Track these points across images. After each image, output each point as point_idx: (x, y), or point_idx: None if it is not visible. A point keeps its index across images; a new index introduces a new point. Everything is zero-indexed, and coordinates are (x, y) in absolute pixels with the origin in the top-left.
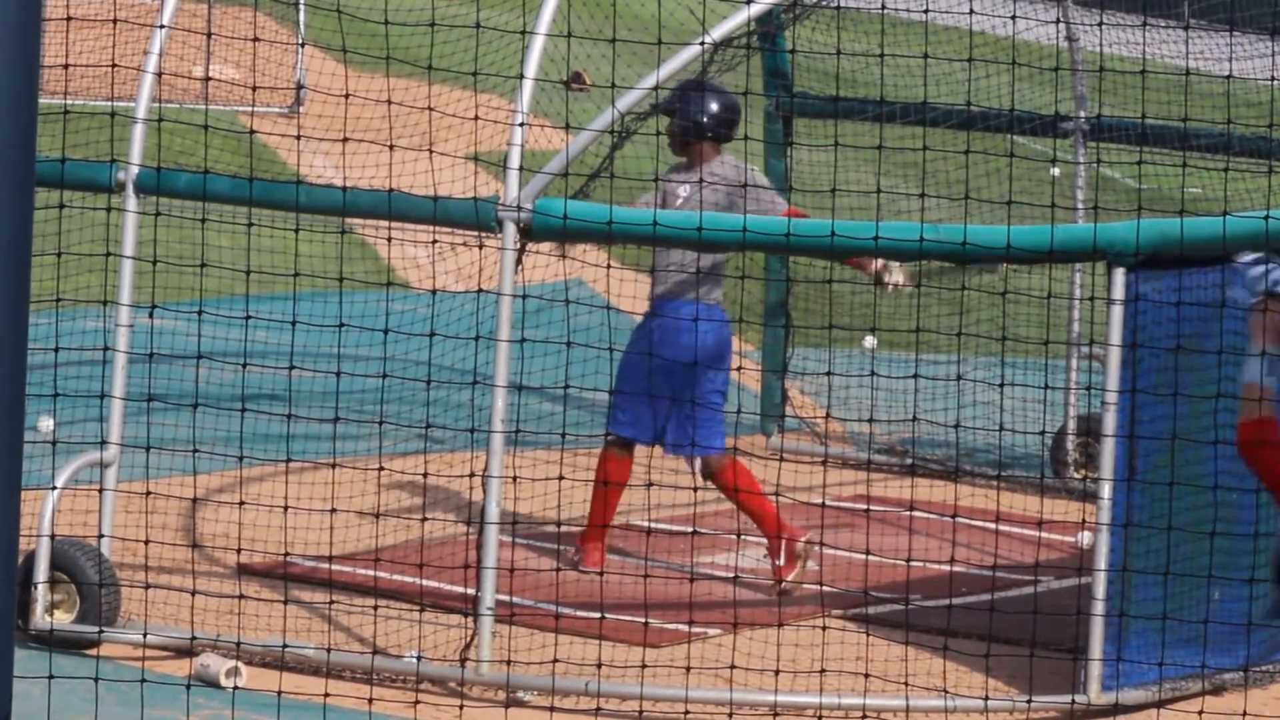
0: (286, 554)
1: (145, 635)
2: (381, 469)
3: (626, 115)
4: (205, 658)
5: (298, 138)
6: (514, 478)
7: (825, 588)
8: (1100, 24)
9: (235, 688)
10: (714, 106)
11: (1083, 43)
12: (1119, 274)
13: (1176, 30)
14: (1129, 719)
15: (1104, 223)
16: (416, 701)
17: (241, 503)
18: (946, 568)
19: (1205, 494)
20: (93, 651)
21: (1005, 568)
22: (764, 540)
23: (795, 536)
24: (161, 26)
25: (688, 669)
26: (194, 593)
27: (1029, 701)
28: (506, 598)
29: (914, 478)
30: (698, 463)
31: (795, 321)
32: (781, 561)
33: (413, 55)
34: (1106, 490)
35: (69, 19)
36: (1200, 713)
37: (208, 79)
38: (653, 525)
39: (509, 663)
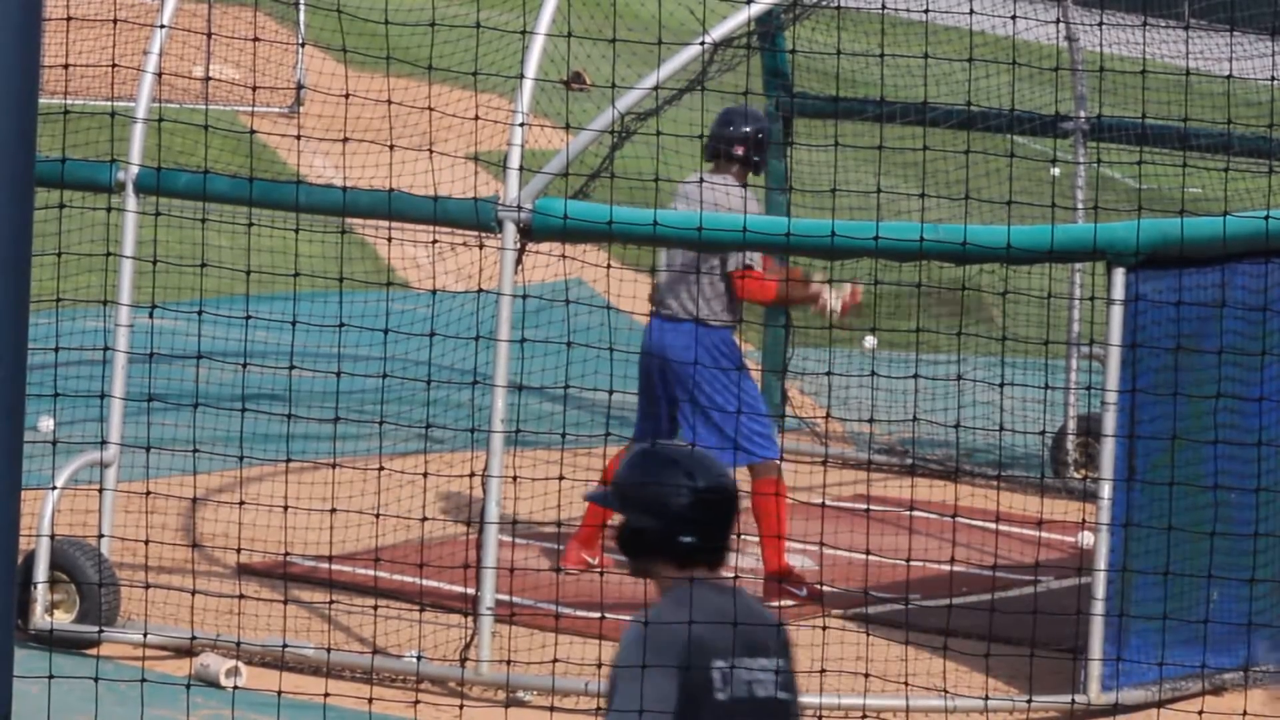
0: (286, 554)
1: (145, 635)
2: (381, 469)
3: (626, 115)
4: (205, 658)
5: (298, 138)
6: (514, 478)
7: (825, 588)
8: (1100, 24)
9: (235, 688)
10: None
11: (1083, 43)
12: (1119, 274)
13: (1176, 30)
14: (1129, 719)
15: (1104, 223)
16: (416, 701)
17: (241, 503)
18: (946, 568)
19: (1205, 494)
20: (93, 651)
21: (1005, 568)
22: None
23: (792, 585)
24: (161, 26)
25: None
26: (194, 593)
27: (1029, 701)
28: (506, 598)
29: (914, 478)
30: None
31: (795, 321)
32: (765, 595)
33: (413, 55)
34: (1106, 490)
35: (69, 19)
36: (1200, 713)
37: (208, 79)
38: None
39: (509, 663)
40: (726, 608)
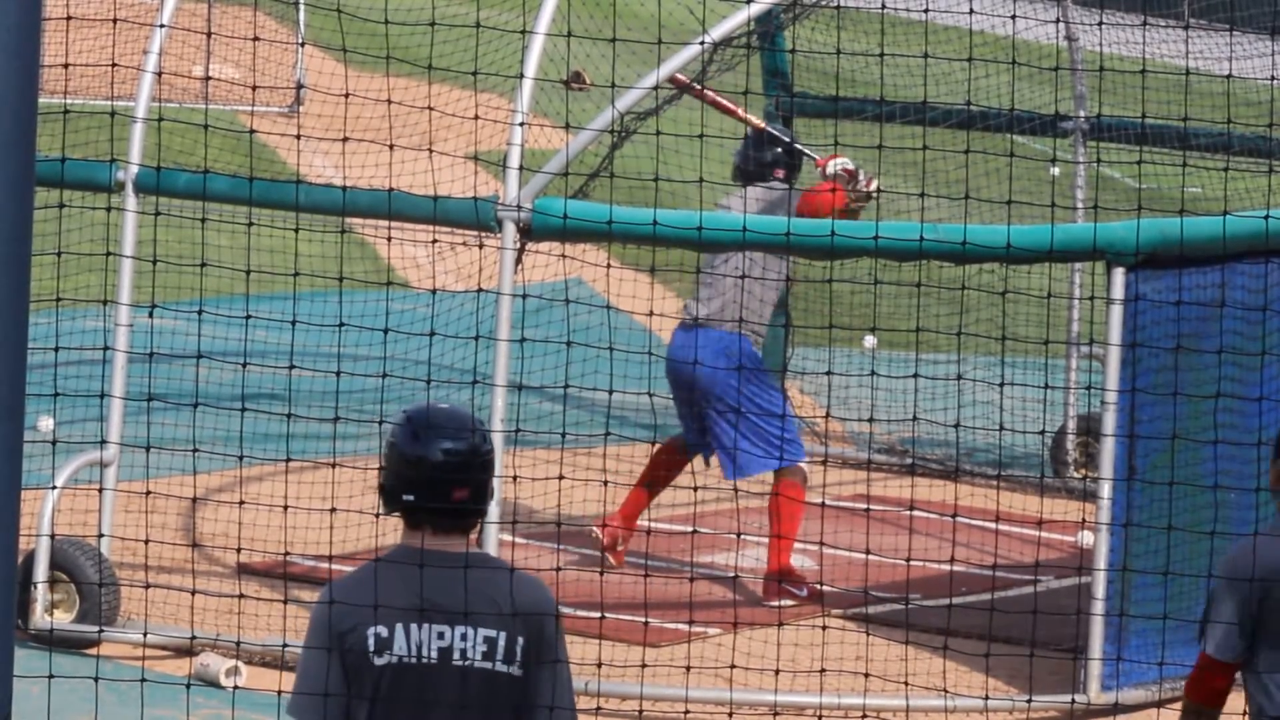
0: (286, 554)
1: (145, 635)
2: (381, 469)
3: (626, 115)
4: (205, 657)
5: (298, 137)
6: (514, 477)
7: (825, 588)
8: (1100, 24)
9: (235, 687)
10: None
11: (1083, 42)
12: (1119, 274)
13: (1176, 30)
14: (1129, 719)
15: (1104, 223)
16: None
17: (241, 503)
18: (946, 568)
19: (1205, 494)
20: (93, 651)
21: (1005, 568)
22: (763, 543)
23: (792, 585)
24: (161, 26)
25: (688, 669)
26: (194, 592)
27: (1029, 701)
28: None
29: (914, 478)
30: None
31: (795, 321)
32: (765, 594)
33: (413, 55)
34: (1106, 490)
35: (69, 19)
36: None
37: (208, 79)
38: (653, 525)
39: None
40: (425, 573)
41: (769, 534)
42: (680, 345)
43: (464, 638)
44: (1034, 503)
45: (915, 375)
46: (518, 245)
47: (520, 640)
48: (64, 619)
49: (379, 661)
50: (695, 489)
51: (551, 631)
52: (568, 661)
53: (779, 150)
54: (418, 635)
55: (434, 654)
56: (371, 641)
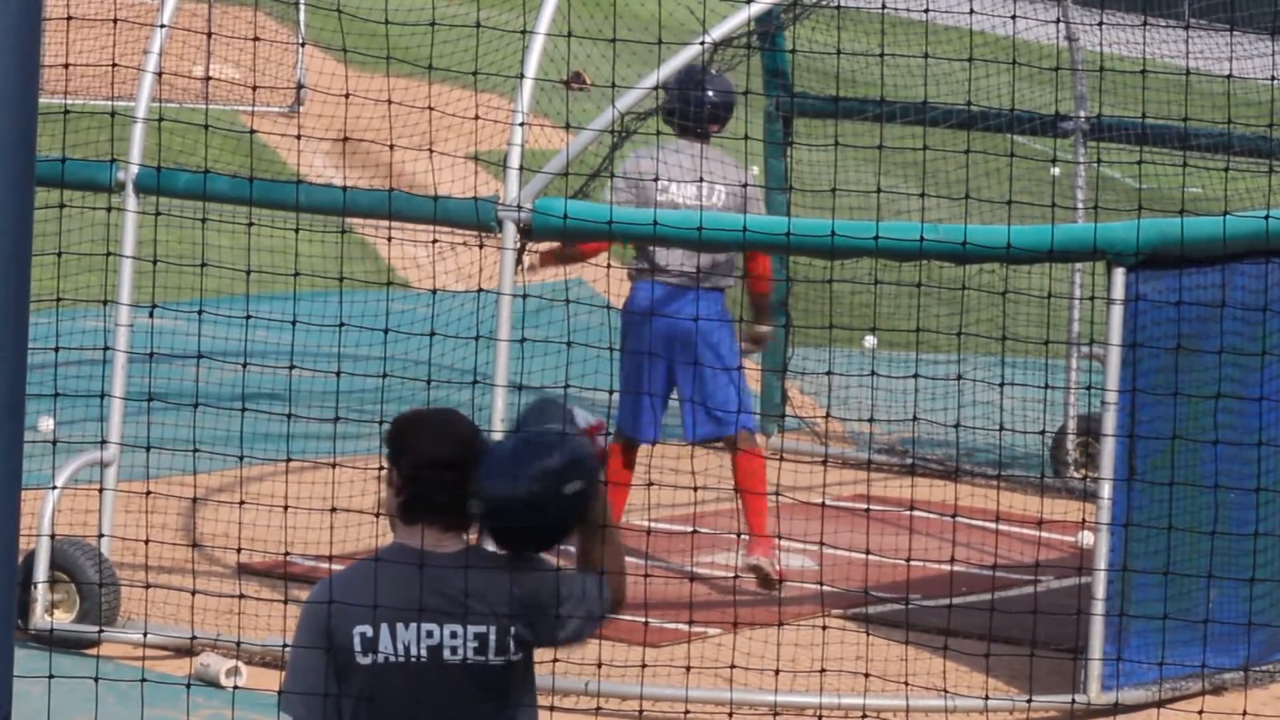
0: (286, 554)
1: (145, 635)
2: (381, 469)
3: (626, 115)
4: (205, 657)
5: (298, 138)
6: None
7: (825, 588)
8: (1100, 24)
9: (235, 687)
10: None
11: (1083, 43)
12: (1119, 274)
13: (1176, 30)
14: (1129, 719)
15: (1104, 223)
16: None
17: (241, 503)
18: (946, 568)
19: (1205, 494)
20: (93, 651)
21: (1005, 568)
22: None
23: (764, 550)
24: (161, 26)
25: (688, 669)
26: (194, 592)
27: (1029, 701)
28: None
29: (914, 478)
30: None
31: (795, 321)
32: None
33: (413, 55)
34: (1106, 490)
35: (69, 19)
36: (1200, 713)
37: (208, 79)
38: (653, 525)
39: None
40: (416, 572)
41: (746, 493)
42: (664, 300)
43: (454, 635)
44: (1034, 503)
45: (915, 375)
46: (518, 245)
47: (512, 630)
48: (64, 619)
49: (364, 661)
50: (695, 489)
51: (551, 591)
52: (583, 594)
53: (717, 92)
54: (405, 635)
55: (424, 653)
56: (357, 641)
